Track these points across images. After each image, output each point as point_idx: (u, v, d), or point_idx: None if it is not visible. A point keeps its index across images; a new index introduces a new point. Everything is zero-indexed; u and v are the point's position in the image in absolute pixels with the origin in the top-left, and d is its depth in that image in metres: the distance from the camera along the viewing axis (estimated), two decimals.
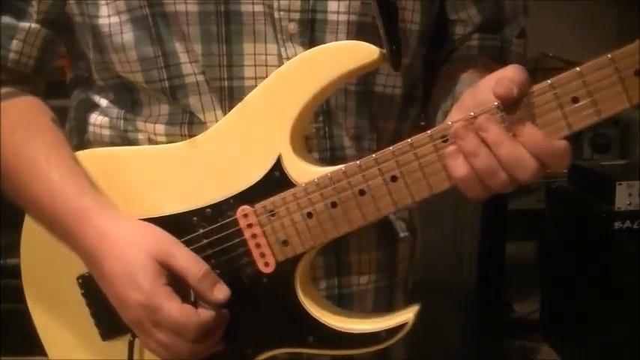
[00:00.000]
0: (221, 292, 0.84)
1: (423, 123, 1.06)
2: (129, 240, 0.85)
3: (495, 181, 0.76)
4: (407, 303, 1.02)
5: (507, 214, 2.77)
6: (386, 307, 1.00)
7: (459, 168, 0.76)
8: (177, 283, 0.83)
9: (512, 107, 0.75)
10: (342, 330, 0.84)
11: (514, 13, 1.02)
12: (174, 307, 0.81)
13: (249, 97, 0.87)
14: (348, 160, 0.87)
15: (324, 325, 0.85)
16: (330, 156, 0.91)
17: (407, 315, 0.84)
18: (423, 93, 1.03)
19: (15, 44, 0.95)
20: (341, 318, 0.86)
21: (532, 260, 3.24)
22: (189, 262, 0.84)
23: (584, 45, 3.31)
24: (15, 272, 1.03)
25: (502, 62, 1.00)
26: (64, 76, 1.11)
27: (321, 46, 0.85)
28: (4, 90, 0.96)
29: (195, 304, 0.83)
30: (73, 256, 0.90)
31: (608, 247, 2.53)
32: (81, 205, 0.87)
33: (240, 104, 0.87)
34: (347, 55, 0.83)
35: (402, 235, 1.01)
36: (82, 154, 0.94)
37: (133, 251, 0.83)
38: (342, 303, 0.95)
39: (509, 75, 0.75)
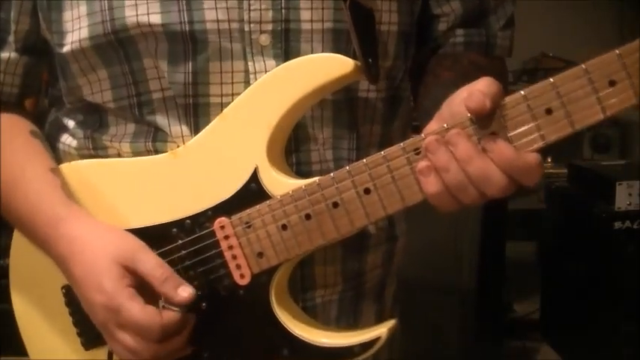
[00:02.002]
0: (185, 291, 0.84)
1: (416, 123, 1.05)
2: (96, 245, 0.86)
3: (465, 196, 0.76)
4: (381, 310, 1.04)
5: (507, 214, 2.76)
6: (351, 317, 0.99)
7: (431, 184, 0.76)
8: (144, 287, 0.84)
9: (485, 120, 0.74)
10: (316, 344, 0.85)
11: (499, 2, 1.01)
12: (135, 308, 0.82)
13: (228, 110, 0.87)
14: (313, 175, 0.87)
15: (298, 337, 0.85)
16: (295, 170, 0.90)
17: (380, 330, 0.84)
18: (413, 89, 1.02)
19: None
20: (315, 331, 0.86)
21: (532, 260, 3.24)
22: (154, 267, 0.84)
23: (584, 45, 3.30)
24: None
25: (488, 56, 1.01)
26: None
27: (295, 59, 0.85)
28: None
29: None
30: None
31: (608, 247, 2.52)
32: (54, 215, 0.89)
33: (219, 116, 0.87)
34: (321, 67, 0.83)
35: (373, 244, 1.00)
36: (66, 167, 0.95)
37: (99, 255, 0.85)
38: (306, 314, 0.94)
39: (481, 88, 0.74)
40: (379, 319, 1.02)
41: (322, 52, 0.89)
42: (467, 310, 2.53)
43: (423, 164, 0.77)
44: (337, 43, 0.89)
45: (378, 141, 0.97)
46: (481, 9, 1.00)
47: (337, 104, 0.92)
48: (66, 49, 0.91)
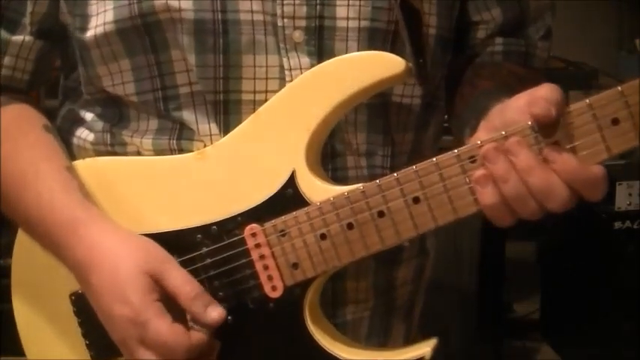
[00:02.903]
0: (215, 312, 0.78)
1: (446, 125, 1.02)
2: (121, 252, 0.80)
3: (524, 209, 0.71)
4: (409, 329, 1.00)
5: None
6: (382, 335, 0.95)
7: (488, 195, 0.72)
8: (170, 303, 0.78)
9: (548, 129, 0.70)
10: None
11: (539, 13, 0.98)
12: (163, 325, 0.76)
13: (263, 108, 0.81)
14: (349, 181, 0.83)
15: (334, 357, 0.79)
16: (331, 176, 0.85)
17: (424, 349, 0.78)
18: (447, 98, 0.98)
19: (8, 60, 0.92)
20: (354, 350, 0.81)
21: (532, 260, 3.22)
22: (182, 282, 0.78)
23: (584, 45, 3.29)
24: None
25: (527, 67, 0.97)
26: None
27: (342, 56, 0.80)
28: None
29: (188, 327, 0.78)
30: (68, 271, 0.85)
31: (608, 247, 2.50)
32: (71, 217, 0.82)
33: (253, 115, 0.82)
34: (371, 66, 0.78)
35: (405, 258, 0.95)
36: (82, 164, 0.89)
37: (124, 264, 0.78)
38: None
39: (544, 95, 0.69)
40: (407, 339, 0.98)
41: (357, 51, 0.84)
42: (467, 310, 2.53)
43: (480, 173, 0.72)
44: (372, 43, 0.84)
45: (410, 148, 0.93)
46: (521, 18, 0.97)
47: (372, 108, 0.87)
48: (89, 34, 0.85)
